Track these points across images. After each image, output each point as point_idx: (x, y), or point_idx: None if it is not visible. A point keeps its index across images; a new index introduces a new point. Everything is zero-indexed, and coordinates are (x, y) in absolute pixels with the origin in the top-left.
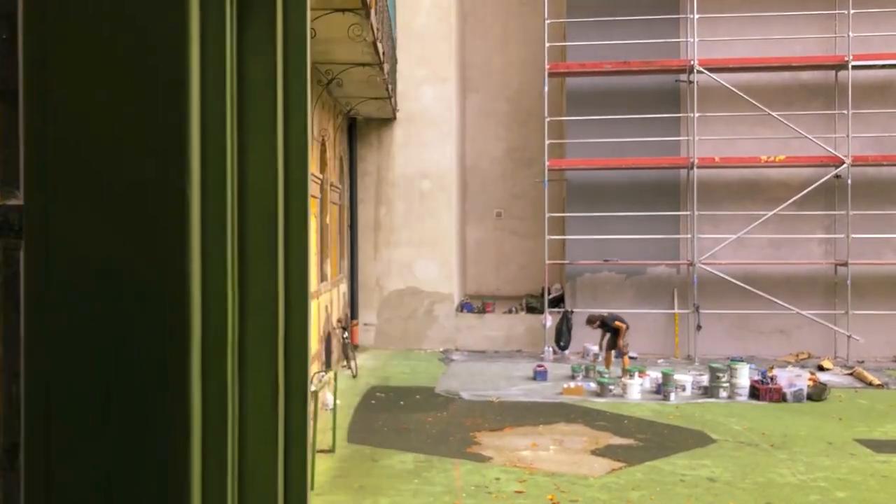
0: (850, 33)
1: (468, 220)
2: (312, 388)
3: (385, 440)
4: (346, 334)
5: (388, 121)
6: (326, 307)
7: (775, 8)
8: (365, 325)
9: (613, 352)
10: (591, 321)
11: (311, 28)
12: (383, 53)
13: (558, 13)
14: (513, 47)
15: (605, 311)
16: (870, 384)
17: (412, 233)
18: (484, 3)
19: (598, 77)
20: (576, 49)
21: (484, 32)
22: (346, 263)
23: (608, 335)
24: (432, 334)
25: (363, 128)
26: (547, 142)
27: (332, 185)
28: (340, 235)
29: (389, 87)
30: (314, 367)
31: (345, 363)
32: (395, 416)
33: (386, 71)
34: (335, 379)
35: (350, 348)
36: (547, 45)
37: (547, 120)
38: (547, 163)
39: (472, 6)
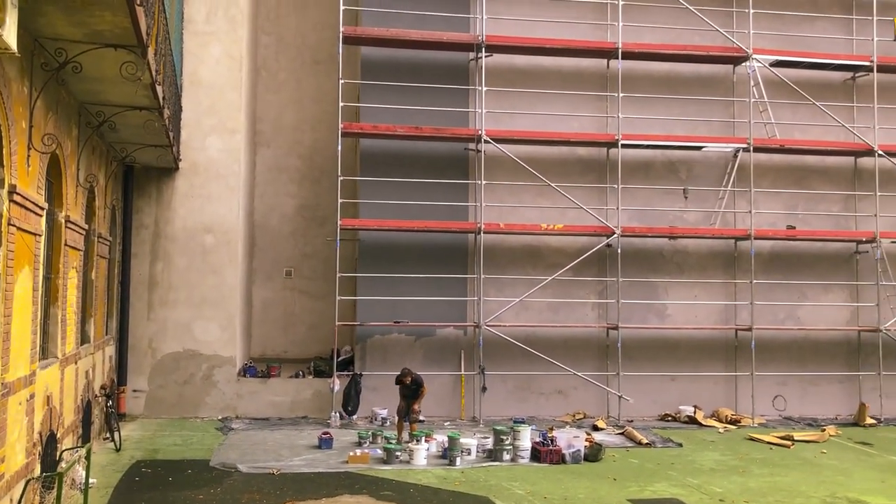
0: (620, 115)
1: (256, 278)
2: (62, 465)
3: None
4: (111, 402)
5: (169, 170)
6: (87, 372)
7: (556, 86)
8: (134, 391)
9: (405, 418)
10: (404, 376)
11: (77, 63)
12: (164, 98)
13: (353, 75)
14: (307, 104)
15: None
16: (639, 443)
17: (192, 291)
18: (277, 58)
19: (392, 140)
20: (370, 111)
21: (277, 87)
22: (114, 323)
23: (405, 401)
24: (211, 401)
25: (141, 177)
26: (340, 201)
27: (100, 236)
28: (109, 293)
29: (171, 134)
30: (67, 442)
31: (107, 435)
32: (161, 494)
33: (166, 117)
34: (88, 455)
35: (114, 418)
36: (341, 104)
37: (340, 179)
38: (339, 222)
39: (265, 60)
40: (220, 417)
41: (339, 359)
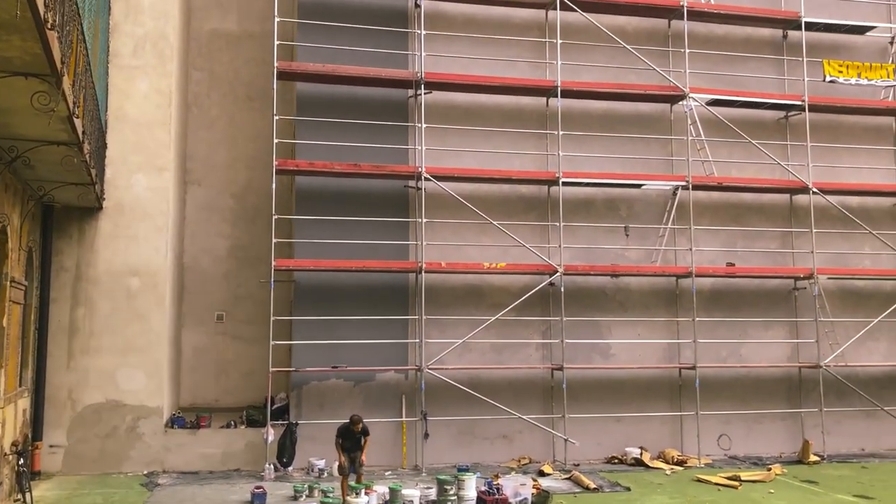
0: (560, 153)
1: (185, 323)
2: None
3: None
4: (24, 460)
5: (92, 210)
6: None
7: (497, 124)
8: (51, 447)
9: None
10: (355, 423)
11: None
12: (83, 132)
13: (288, 111)
14: (241, 142)
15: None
16: (587, 488)
17: (116, 338)
18: (209, 94)
19: (329, 178)
20: (306, 148)
21: (209, 124)
22: (29, 374)
23: (347, 455)
24: (136, 455)
25: (62, 217)
26: (274, 241)
27: (13, 280)
28: (24, 340)
29: (93, 172)
30: None
31: (18, 496)
32: None
33: (87, 153)
34: None
35: (26, 478)
36: (275, 141)
37: (275, 218)
38: (274, 263)
39: (196, 96)
40: (145, 472)
41: (274, 407)
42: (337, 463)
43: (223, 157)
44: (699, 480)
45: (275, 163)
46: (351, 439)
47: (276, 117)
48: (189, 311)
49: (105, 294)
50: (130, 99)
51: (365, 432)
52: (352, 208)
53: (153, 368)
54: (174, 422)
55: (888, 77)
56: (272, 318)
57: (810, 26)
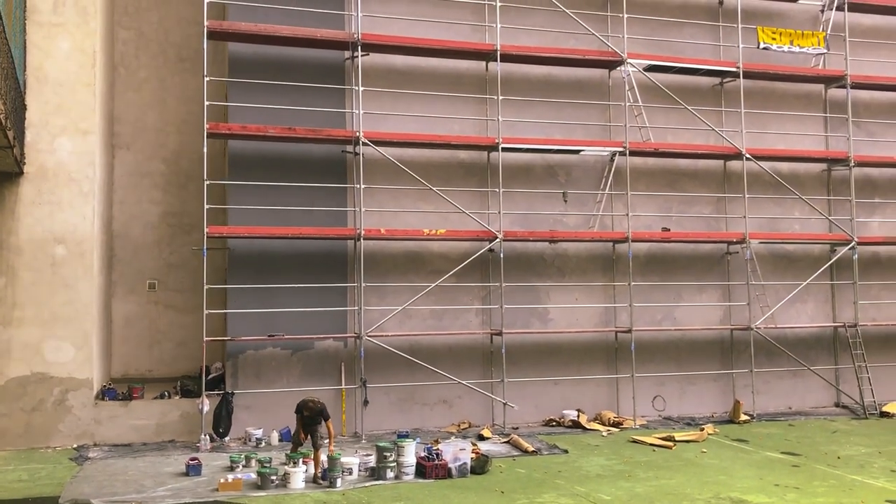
0: (500, 118)
1: (115, 292)
2: None
3: None
4: None
5: (11, 175)
6: None
7: (436, 88)
8: None
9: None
10: (307, 405)
11: None
12: None
13: (220, 73)
14: (171, 104)
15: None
16: (525, 451)
17: (41, 308)
18: (137, 55)
19: (264, 142)
20: (239, 111)
21: (138, 86)
22: None
23: (306, 428)
24: (65, 429)
25: None
26: (206, 207)
27: None
28: None
29: (10, 134)
30: None
31: None
32: None
33: (2, 113)
34: None
35: None
36: (207, 104)
37: (207, 184)
38: (206, 230)
39: (123, 56)
40: (75, 446)
41: (209, 377)
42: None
43: (153, 120)
44: (635, 441)
45: (206, 126)
46: (311, 415)
47: (206, 79)
48: (120, 280)
49: (28, 263)
50: (51, 58)
51: (323, 414)
52: (287, 173)
53: (81, 339)
54: (105, 393)
55: (819, 45)
56: (206, 287)
57: None
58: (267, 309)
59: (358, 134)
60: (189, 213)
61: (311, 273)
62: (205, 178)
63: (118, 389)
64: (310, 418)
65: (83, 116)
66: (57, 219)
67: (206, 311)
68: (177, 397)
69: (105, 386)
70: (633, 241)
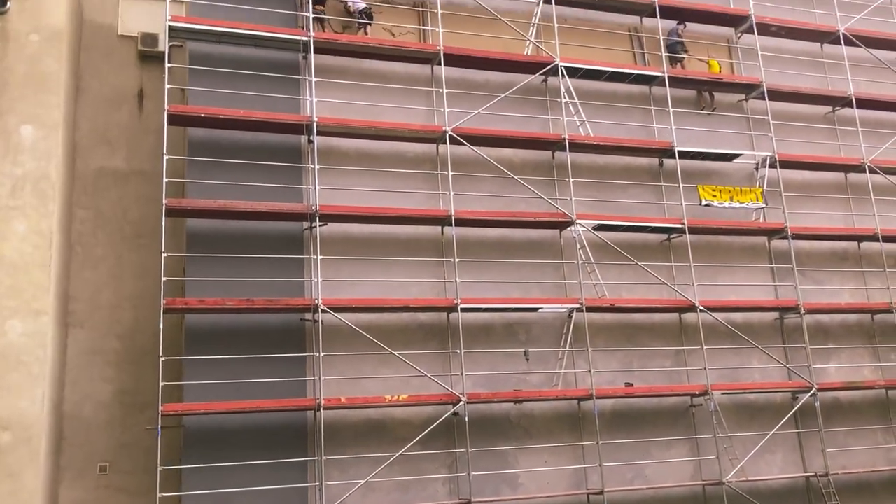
0: (458, 279)
1: (63, 478)
2: None
3: None
4: None
5: None
6: None
7: (394, 253)
8: None
9: None
10: None
11: None
12: None
13: (178, 246)
14: (128, 281)
15: None
16: None
17: None
18: (94, 233)
19: (221, 314)
20: (196, 285)
21: (94, 264)
22: None
23: None
24: None
25: None
26: (162, 384)
27: None
28: None
29: None
30: None
31: None
32: None
33: None
34: None
35: None
36: (163, 279)
37: (162, 360)
38: (161, 408)
39: (80, 235)
40: None
41: None
42: None
43: (109, 297)
44: None
45: (163, 302)
46: None
47: (164, 255)
48: (68, 465)
49: None
50: (6, 240)
51: None
52: (245, 345)
53: None
54: None
55: (757, 200)
56: (159, 468)
57: (683, 154)
58: (223, 490)
59: (317, 302)
60: (143, 391)
61: (270, 447)
62: (160, 354)
63: None
64: None
65: (37, 297)
66: (4, 403)
67: (159, 494)
68: None
69: None
70: (597, 397)
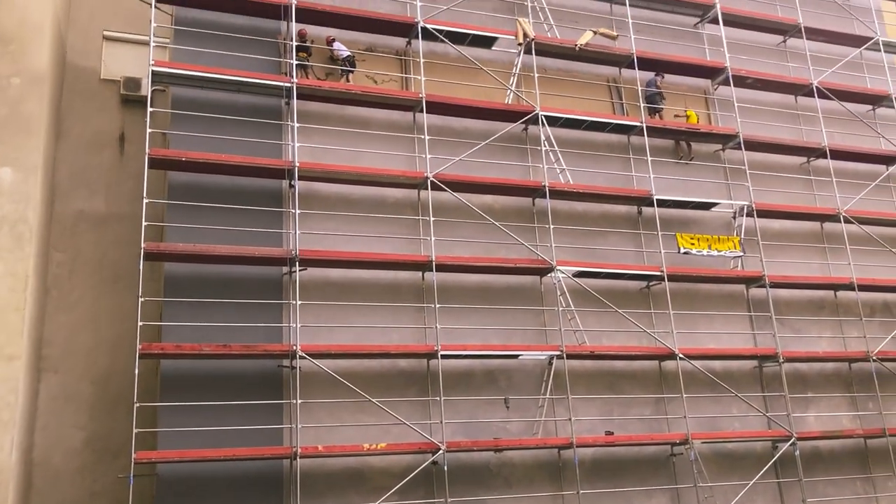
0: (438, 325)
1: None
2: None
3: None
4: None
5: None
6: None
7: (374, 298)
8: None
9: None
10: None
11: None
12: None
13: (156, 290)
14: (104, 325)
15: None
16: None
17: None
18: (71, 277)
19: (198, 360)
20: (173, 329)
21: (70, 307)
22: None
23: None
24: None
25: None
26: (135, 430)
27: None
28: None
29: None
30: None
31: None
32: None
33: None
34: None
35: None
36: (140, 323)
37: (136, 405)
38: (134, 455)
39: (57, 278)
40: None
41: None
42: None
43: (84, 341)
44: None
45: (139, 347)
46: None
47: (141, 299)
48: None
49: None
50: None
51: None
52: (221, 391)
53: None
54: None
55: (735, 248)
56: None
57: (661, 203)
58: None
59: (295, 348)
60: (116, 438)
61: (245, 498)
62: (135, 400)
63: None
64: None
65: (10, 341)
66: None
67: None
68: None
69: None
70: (577, 446)
